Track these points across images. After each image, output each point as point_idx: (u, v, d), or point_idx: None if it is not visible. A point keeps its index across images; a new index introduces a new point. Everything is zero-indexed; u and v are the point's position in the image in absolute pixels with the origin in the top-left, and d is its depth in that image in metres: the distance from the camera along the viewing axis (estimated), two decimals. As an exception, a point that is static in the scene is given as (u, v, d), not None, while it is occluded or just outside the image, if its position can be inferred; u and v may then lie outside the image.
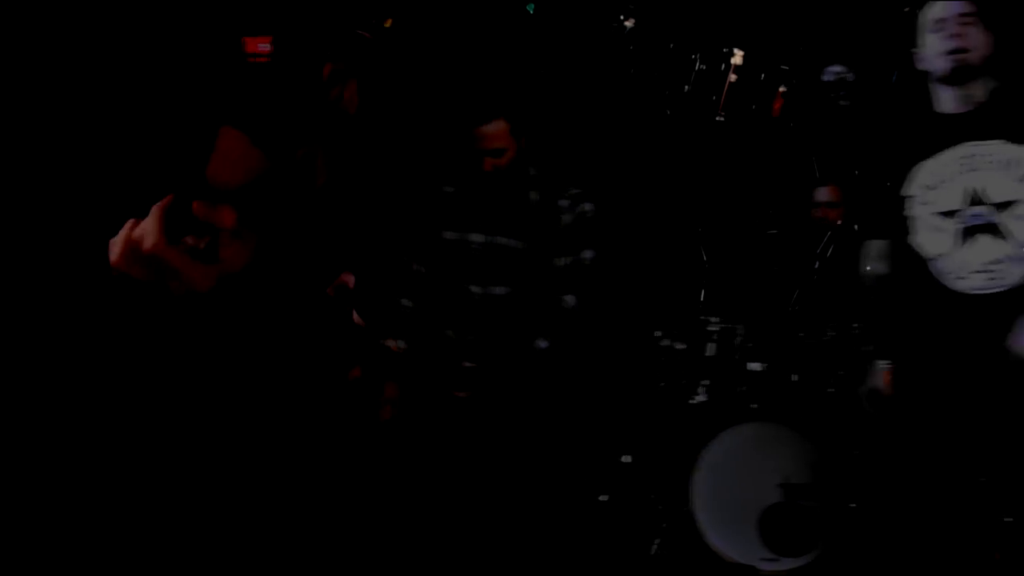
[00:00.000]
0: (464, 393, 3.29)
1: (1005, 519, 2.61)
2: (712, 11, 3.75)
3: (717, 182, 3.95)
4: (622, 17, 3.85)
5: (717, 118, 3.67)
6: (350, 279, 3.28)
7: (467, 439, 3.33)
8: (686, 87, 3.81)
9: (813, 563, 3.40)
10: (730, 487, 3.56)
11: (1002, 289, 2.57)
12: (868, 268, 2.95)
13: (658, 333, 3.81)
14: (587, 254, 3.31)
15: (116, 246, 1.21)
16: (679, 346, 3.80)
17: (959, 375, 2.64)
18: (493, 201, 3.33)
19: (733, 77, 3.60)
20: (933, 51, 2.67)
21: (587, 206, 3.31)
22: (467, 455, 3.35)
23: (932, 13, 2.70)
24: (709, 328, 3.77)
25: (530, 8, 3.98)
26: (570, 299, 3.29)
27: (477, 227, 3.33)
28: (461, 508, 3.33)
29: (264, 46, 3.67)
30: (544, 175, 3.36)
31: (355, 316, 3.18)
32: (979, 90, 2.66)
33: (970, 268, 2.60)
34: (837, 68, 3.81)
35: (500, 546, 3.38)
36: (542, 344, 3.27)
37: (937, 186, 2.66)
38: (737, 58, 3.68)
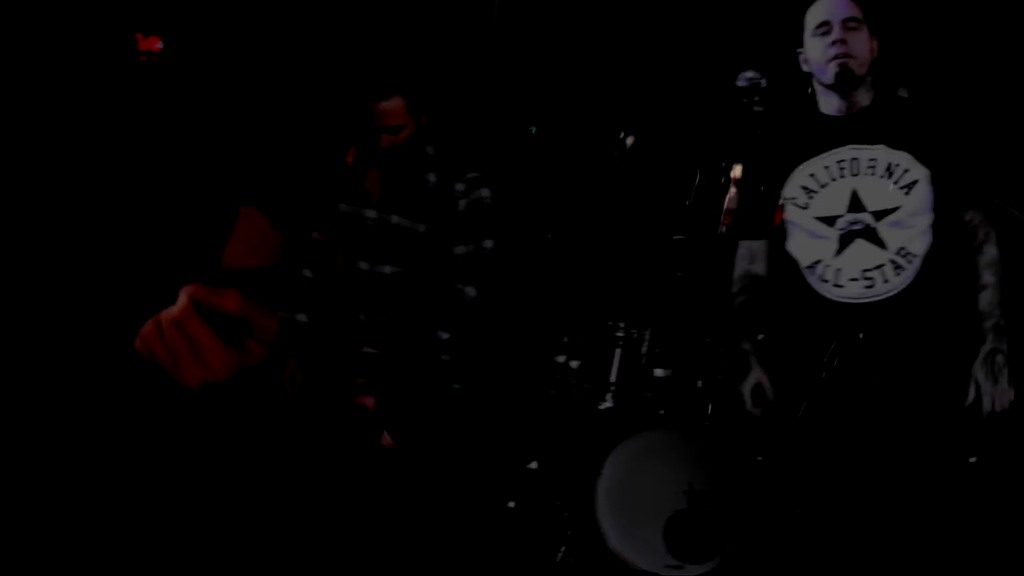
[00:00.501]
0: (362, 379, 3.23)
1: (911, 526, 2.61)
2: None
3: (627, 188, 3.94)
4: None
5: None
6: (369, 401, 3.20)
7: (369, 434, 3.27)
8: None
9: (717, 570, 3.42)
10: (635, 494, 3.55)
11: (879, 298, 2.52)
12: (742, 271, 2.88)
13: (560, 356, 3.81)
14: (488, 243, 3.26)
15: (146, 326, 1.13)
16: (574, 363, 3.80)
17: (839, 387, 2.59)
18: (390, 179, 3.28)
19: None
20: (816, 56, 2.60)
21: (484, 191, 3.26)
22: (368, 452, 3.29)
23: (816, 15, 2.61)
24: (616, 334, 3.76)
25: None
26: (471, 290, 3.24)
27: (372, 203, 3.28)
28: (361, 509, 3.26)
29: (158, 44, 3.54)
30: (443, 157, 3.31)
31: (384, 438, 3.13)
32: (863, 96, 2.61)
33: (847, 276, 2.53)
34: (750, 74, 3.79)
35: (403, 552, 3.32)
36: (443, 336, 3.22)
37: (817, 189, 2.59)
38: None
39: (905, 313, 2.51)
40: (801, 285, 2.64)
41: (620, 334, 3.76)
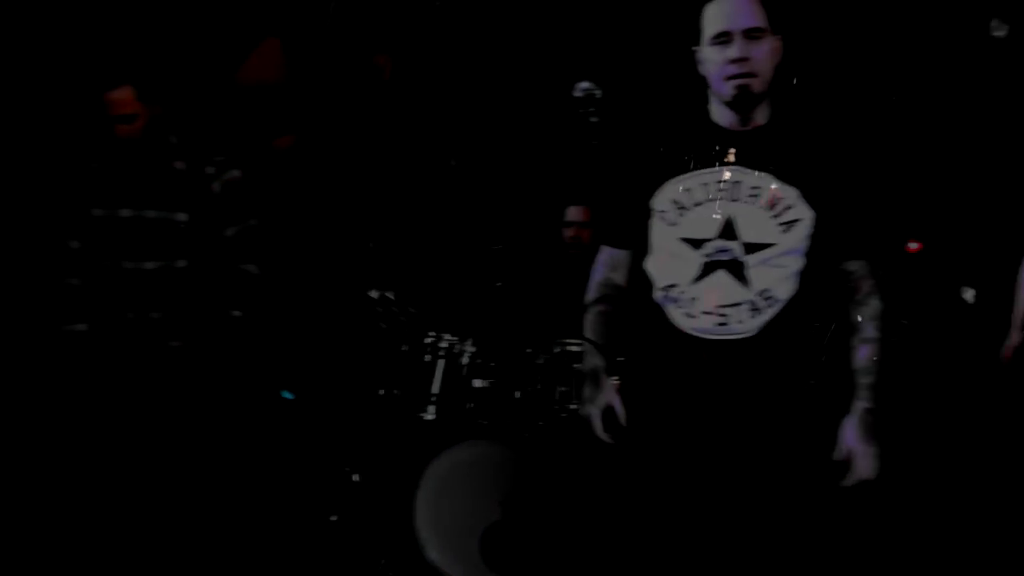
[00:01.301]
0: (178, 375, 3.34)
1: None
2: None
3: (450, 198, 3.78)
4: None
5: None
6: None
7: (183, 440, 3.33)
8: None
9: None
10: (453, 505, 3.67)
11: (731, 337, 2.29)
12: (602, 277, 2.58)
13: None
14: (253, 221, 3.41)
15: None
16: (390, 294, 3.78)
17: (680, 416, 2.37)
18: (137, 174, 3.35)
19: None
20: (714, 69, 2.29)
21: (234, 172, 3.38)
22: (185, 461, 3.34)
23: (714, 21, 2.27)
24: (439, 345, 3.73)
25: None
26: (252, 267, 3.39)
27: (125, 202, 3.33)
28: (177, 519, 3.32)
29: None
30: (187, 144, 3.40)
31: None
32: (760, 113, 2.35)
33: (702, 308, 2.30)
34: (585, 84, 3.57)
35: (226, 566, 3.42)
36: (236, 314, 3.36)
37: (689, 207, 2.32)
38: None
39: (754, 357, 2.30)
40: (653, 308, 2.40)
41: (443, 345, 3.73)
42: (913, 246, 4.03)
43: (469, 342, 3.74)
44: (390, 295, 3.81)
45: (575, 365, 3.66)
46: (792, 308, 2.30)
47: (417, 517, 3.64)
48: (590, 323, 2.59)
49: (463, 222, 3.82)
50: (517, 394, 3.75)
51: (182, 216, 3.30)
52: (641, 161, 2.44)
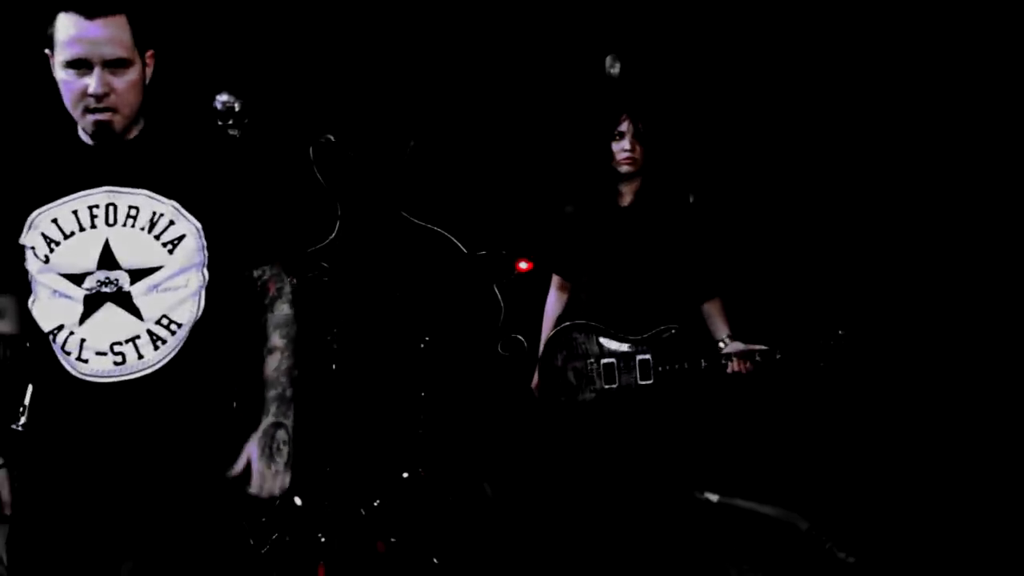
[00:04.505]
0: None
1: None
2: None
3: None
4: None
5: None
6: None
7: None
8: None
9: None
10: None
11: (132, 376, 2.07)
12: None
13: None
14: None
15: None
16: None
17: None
18: None
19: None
20: (68, 94, 2.03)
21: None
22: None
23: (68, 46, 1.98)
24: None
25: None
26: None
27: None
28: None
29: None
30: None
31: None
32: (132, 129, 2.13)
33: (94, 348, 2.06)
34: (224, 97, 3.51)
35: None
36: None
37: (61, 240, 2.07)
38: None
39: (163, 392, 2.10)
40: (49, 358, 2.12)
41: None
42: (523, 265, 4.18)
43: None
44: None
45: None
46: (202, 329, 2.14)
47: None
48: None
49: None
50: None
51: None
52: (3, 194, 2.14)
